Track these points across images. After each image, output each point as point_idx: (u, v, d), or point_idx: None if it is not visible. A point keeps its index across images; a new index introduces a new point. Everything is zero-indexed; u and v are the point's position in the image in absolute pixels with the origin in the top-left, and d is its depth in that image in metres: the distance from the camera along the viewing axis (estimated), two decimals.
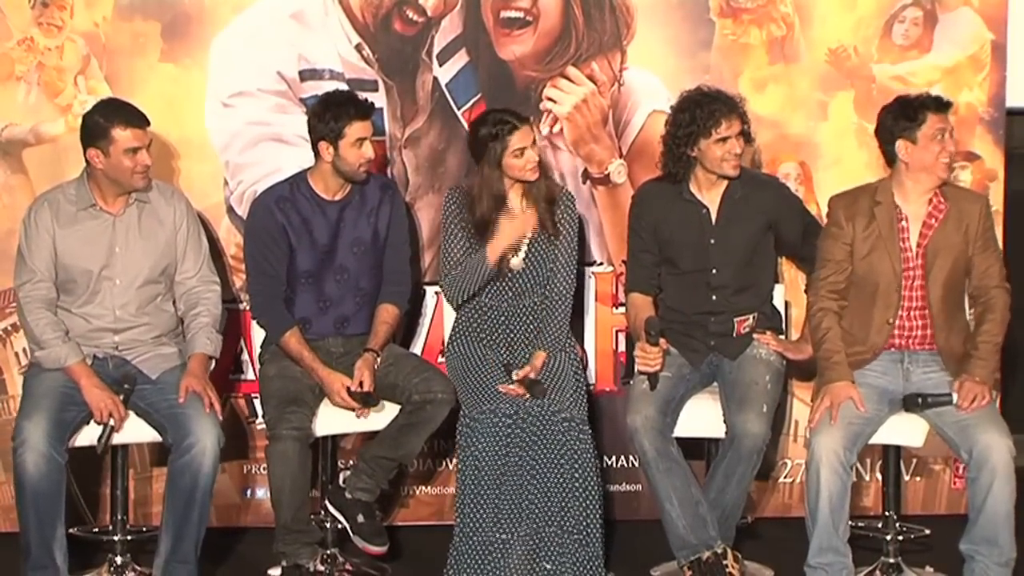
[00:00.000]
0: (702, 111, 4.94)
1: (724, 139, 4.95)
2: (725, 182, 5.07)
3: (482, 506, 4.91)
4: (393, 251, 5.17)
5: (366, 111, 5.00)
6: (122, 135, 4.81)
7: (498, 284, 5.15)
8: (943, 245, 4.85)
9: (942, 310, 4.87)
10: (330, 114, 4.95)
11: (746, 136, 5.03)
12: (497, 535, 4.89)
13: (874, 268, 4.88)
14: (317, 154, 5.03)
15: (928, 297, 4.86)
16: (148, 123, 4.87)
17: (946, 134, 4.82)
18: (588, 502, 4.95)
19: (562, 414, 4.95)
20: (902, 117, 4.83)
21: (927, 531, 5.23)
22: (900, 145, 4.83)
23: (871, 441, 4.87)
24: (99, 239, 4.89)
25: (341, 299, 5.12)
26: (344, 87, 5.31)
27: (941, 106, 4.85)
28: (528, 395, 4.96)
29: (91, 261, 4.88)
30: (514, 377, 5.03)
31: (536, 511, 4.91)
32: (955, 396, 4.77)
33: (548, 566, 4.89)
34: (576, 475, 4.93)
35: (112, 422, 4.76)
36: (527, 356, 5.12)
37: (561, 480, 4.92)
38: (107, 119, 4.82)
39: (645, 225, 5.12)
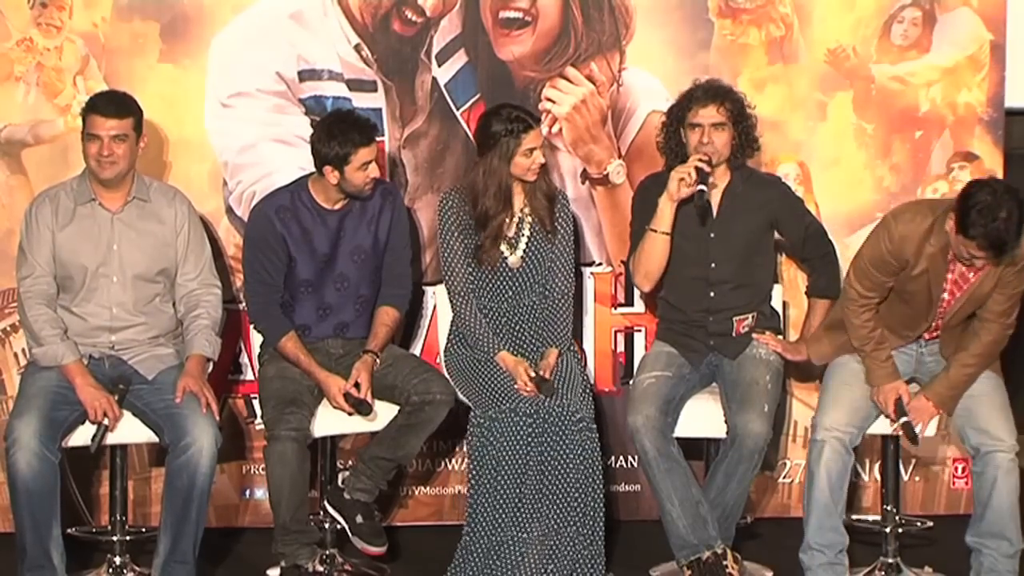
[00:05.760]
0: (683, 97, 5.03)
1: (697, 126, 4.97)
2: (727, 176, 5.07)
3: (500, 506, 4.89)
4: (394, 254, 5.15)
5: (371, 136, 4.96)
6: (89, 120, 4.81)
7: (497, 284, 5.14)
8: (974, 296, 4.81)
9: (953, 337, 4.90)
10: (336, 142, 4.90)
11: (744, 134, 5.02)
12: (515, 533, 4.87)
13: (915, 298, 4.85)
14: (321, 172, 5.00)
15: (944, 326, 4.90)
16: (121, 114, 4.81)
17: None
18: (595, 501, 4.94)
19: (578, 415, 4.94)
20: None
21: (930, 523, 5.20)
22: None
23: (871, 432, 4.89)
24: (97, 236, 4.89)
25: (341, 307, 5.11)
26: (343, 88, 5.31)
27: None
28: (539, 393, 4.95)
29: (88, 257, 4.87)
30: (531, 374, 4.99)
31: (554, 511, 4.89)
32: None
33: (559, 566, 4.88)
34: (585, 474, 4.92)
35: (106, 422, 4.75)
36: (532, 354, 5.10)
37: (574, 479, 4.91)
38: (87, 104, 4.86)
39: (649, 208, 5.06)
